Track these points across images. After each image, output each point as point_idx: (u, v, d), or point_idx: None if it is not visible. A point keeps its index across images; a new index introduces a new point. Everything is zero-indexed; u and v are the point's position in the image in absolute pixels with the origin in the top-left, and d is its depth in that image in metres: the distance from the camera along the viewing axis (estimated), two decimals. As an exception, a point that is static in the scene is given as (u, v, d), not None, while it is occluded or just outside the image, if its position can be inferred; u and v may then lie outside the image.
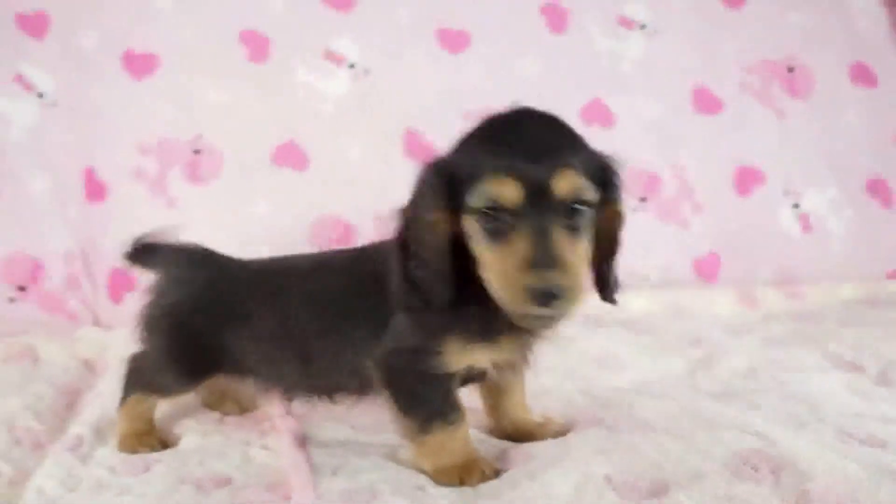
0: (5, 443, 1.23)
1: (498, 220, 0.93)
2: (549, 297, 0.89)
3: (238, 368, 1.21)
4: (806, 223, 2.18)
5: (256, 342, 1.18)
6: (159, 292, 1.26)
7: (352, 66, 2.10)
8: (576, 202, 0.94)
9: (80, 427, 1.25)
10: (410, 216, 1.01)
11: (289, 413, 1.29)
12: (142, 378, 1.24)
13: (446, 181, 0.97)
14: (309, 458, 1.10)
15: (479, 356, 1.04)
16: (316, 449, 1.14)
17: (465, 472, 1.03)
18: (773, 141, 2.25)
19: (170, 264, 1.29)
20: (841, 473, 0.99)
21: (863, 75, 2.36)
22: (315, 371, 1.15)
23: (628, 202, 2.06)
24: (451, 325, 1.01)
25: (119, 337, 1.79)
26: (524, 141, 0.95)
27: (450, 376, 1.04)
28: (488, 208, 0.93)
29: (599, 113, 2.18)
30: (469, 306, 0.99)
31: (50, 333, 1.76)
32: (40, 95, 1.94)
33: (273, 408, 1.31)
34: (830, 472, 0.99)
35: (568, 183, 0.93)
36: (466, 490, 1.00)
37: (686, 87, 2.27)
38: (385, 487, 0.98)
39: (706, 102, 2.24)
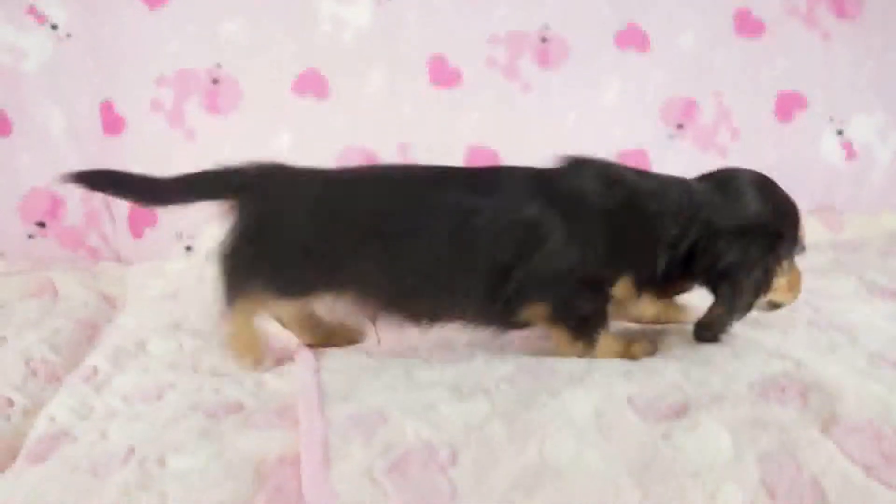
0: (21, 375, 1.23)
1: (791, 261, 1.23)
2: None
3: (349, 287, 1.19)
4: (850, 150, 2.14)
5: (386, 257, 1.17)
6: (280, 199, 1.20)
7: (374, -9, 2.05)
8: None
9: (96, 358, 1.26)
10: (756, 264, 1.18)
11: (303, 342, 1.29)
12: (252, 278, 1.20)
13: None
14: (321, 385, 1.08)
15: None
16: (329, 375, 1.13)
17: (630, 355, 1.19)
18: (817, 65, 2.20)
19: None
20: (870, 396, 0.98)
21: (915, -6, 2.27)
22: (445, 291, 1.19)
23: (665, 130, 2.05)
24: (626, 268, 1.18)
25: (139, 272, 1.80)
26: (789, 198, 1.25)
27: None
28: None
29: (635, 38, 2.14)
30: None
31: (70, 269, 1.76)
32: (54, 27, 1.93)
33: (290, 337, 1.29)
34: (859, 394, 0.98)
35: None
36: (481, 408, 0.99)
37: (727, 9, 2.21)
38: (395, 410, 0.97)
39: (748, 25, 2.19)
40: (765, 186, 1.25)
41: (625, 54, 2.11)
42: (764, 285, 1.19)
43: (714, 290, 1.19)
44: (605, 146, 2.03)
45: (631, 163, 1.81)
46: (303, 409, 0.98)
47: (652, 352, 1.20)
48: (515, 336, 1.27)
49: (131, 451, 0.92)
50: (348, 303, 1.19)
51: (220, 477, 0.86)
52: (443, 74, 2.04)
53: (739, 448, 0.88)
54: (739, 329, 1.25)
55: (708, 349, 1.17)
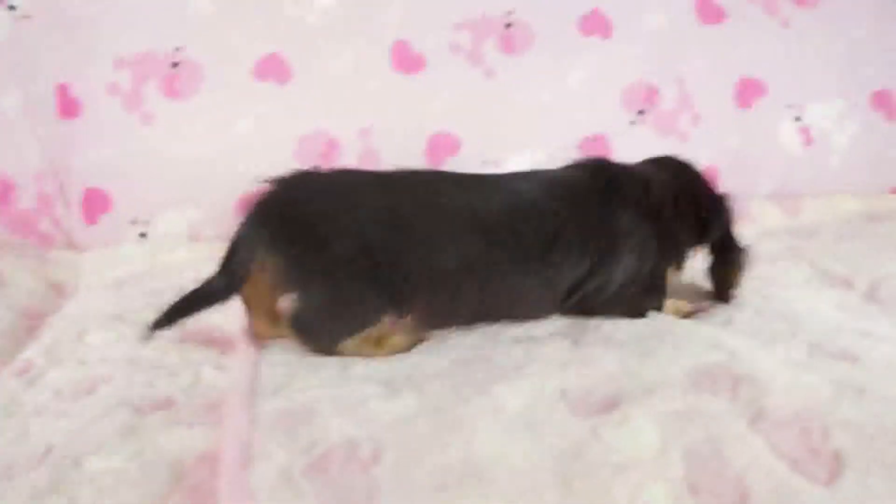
0: (-47, 369, 1.18)
1: None
2: None
3: (415, 303, 1.16)
4: (808, 137, 2.12)
5: (446, 271, 1.15)
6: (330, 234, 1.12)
7: (340, -27, 2.02)
8: None
9: (32, 351, 1.24)
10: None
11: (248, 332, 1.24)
12: (336, 332, 1.15)
13: None
14: (257, 378, 1.06)
15: None
16: (268, 368, 1.12)
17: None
18: (777, 52, 2.18)
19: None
20: (803, 388, 0.98)
21: (875, -20, 2.24)
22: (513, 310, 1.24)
23: (626, 116, 2.03)
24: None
25: (92, 259, 1.78)
26: None
27: None
28: None
29: (599, 23, 2.11)
30: None
31: (19, 256, 1.70)
32: (12, 7, 1.89)
33: (235, 327, 1.26)
34: (792, 387, 0.98)
35: None
36: (410, 403, 0.98)
37: (689, -4, 2.16)
38: (325, 406, 0.96)
39: (710, 12, 2.16)
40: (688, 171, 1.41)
41: (588, 40, 2.09)
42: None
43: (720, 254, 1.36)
44: (567, 132, 2.00)
45: (592, 149, 1.79)
46: (230, 405, 0.96)
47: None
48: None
49: (49, 450, 0.90)
50: (419, 319, 1.17)
51: (136, 478, 0.85)
52: (406, 60, 2.01)
53: (666, 443, 0.87)
54: (682, 320, 1.27)
55: (649, 337, 1.16)
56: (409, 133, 1.96)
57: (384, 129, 1.96)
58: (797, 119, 2.13)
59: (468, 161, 1.97)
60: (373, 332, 1.15)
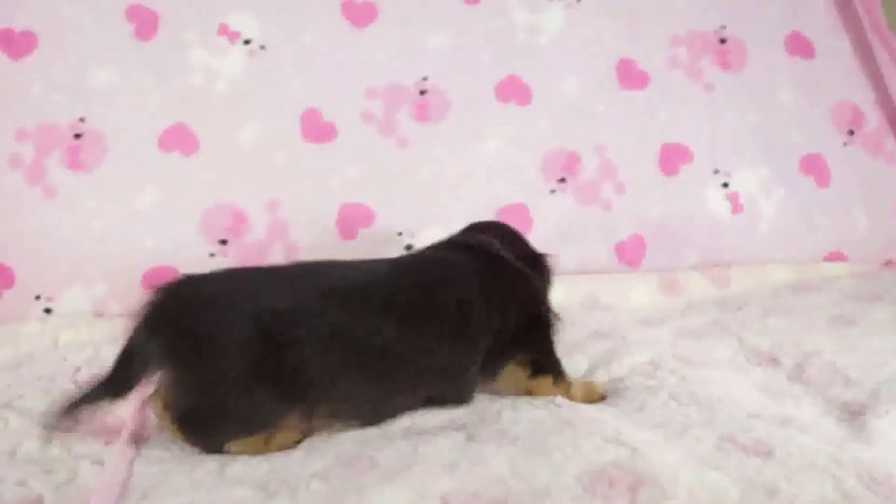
0: None
1: None
2: None
3: (306, 398, 1.15)
4: (736, 203, 2.11)
5: (337, 361, 1.16)
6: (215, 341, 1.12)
7: (247, 41, 2.01)
8: None
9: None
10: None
11: (138, 420, 1.24)
12: (223, 434, 1.14)
13: None
14: (127, 479, 1.03)
15: None
16: (142, 468, 1.08)
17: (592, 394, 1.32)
18: (701, 117, 2.18)
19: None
20: (707, 489, 0.94)
21: (799, 46, 2.29)
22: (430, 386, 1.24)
23: (546, 185, 2.02)
24: None
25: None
26: None
27: None
28: None
29: (516, 90, 2.10)
30: None
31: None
32: None
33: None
34: (695, 488, 0.94)
35: None
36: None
37: (609, 60, 2.19)
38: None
39: (630, 77, 2.16)
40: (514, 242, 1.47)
41: (505, 107, 2.08)
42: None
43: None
44: (485, 202, 1.99)
45: (511, 218, 1.77)
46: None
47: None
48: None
49: None
50: (322, 416, 1.17)
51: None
52: (316, 129, 1.99)
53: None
54: (588, 407, 1.24)
55: (548, 430, 1.12)
56: (320, 205, 1.94)
57: (294, 200, 1.93)
58: (725, 185, 2.13)
59: (382, 233, 1.95)
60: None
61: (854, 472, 1.00)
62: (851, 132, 2.23)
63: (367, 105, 2.00)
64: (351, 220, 1.91)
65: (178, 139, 1.94)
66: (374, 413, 1.20)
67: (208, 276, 1.19)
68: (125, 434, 1.19)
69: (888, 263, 2.18)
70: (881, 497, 0.95)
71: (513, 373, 1.31)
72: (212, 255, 1.86)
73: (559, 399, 1.26)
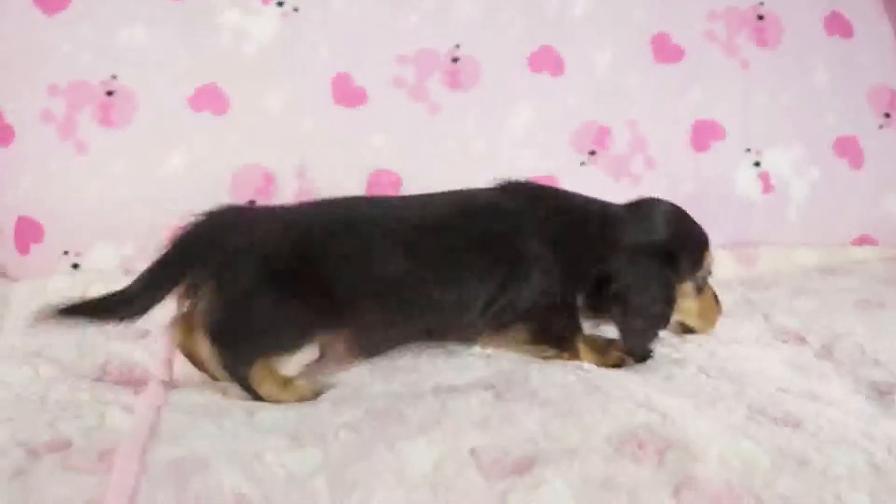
0: None
1: (699, 283, 1.38)
2: None
3: (341, 321, 1.22)
4: (767, 183, 2.11)
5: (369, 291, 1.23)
6: (250, 255, 1.20)
7: (280, 3, 2.02)
8: None
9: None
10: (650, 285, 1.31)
11: (166, 372, 1.27)
12: (255, 347, 1.20)
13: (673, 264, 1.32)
14: (156, 423, 1.05)
15: None
16: (171, 413, 1.10)
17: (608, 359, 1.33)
18: (735, 94, 2.17)
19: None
20: (739, 457, 0.95)
21: (838, 25, 2.27)
22: (432, 319, 1.29)
23: (577, 157, 2.03)
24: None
25: (22, 290, 1.76)
26: (702, 228, 1.42)
27: None
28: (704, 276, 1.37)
29: (549, 61, 2.11)
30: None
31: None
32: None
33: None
34: (727, 454, 0.96)
35: None
36: (311, 458, 0.96)
37: (644, 34, 2.18)
38: (219, 458, 0.93)
39: (665, 51, 2.16)
40: (670, 213, 1.41)
41: (538, 77, 2.08)
42: (659, 305, 1.30)
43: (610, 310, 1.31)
44: (513, 172, 1.96)
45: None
46: (122, 452, 0.94)
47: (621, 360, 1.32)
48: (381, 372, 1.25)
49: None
50: (345, 340, 1.23)
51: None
52: (347, 93, 2.00)
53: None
54: (617, 374, 1.24)
55: (578, 394, 1.13)
56: (349, 169, 1.95)
57: (322, 165, 1.94)
58: (756, 164, 2.13)
59: (410, 200, 1.95)
60: (290, 362, 1.23)
61: (886, 446, 1.01)
62: (887, 115, 2.22)
63: (399, 71, 2.00)
64: (379, 186, 1.92)
65: (209, 99, 1.95)
66: (387, 342, 1.29)
67: (250, 206, 1.30)
68: (154, 381, 1.21)
69: (919, 249, 2.16)
70: None
71: (516, 333, 1.33)
72: (240, 217, 1.86)
73: (587, 365, 1.28)
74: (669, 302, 1.32)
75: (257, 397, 1.17)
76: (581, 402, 1.09)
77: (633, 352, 1.32)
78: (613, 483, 0.90)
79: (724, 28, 2.20)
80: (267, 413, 1.10)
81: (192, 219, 1.22)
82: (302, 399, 1.17)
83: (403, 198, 1.39)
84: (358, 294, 1.21)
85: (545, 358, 1.31)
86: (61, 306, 1.15)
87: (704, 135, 2.12)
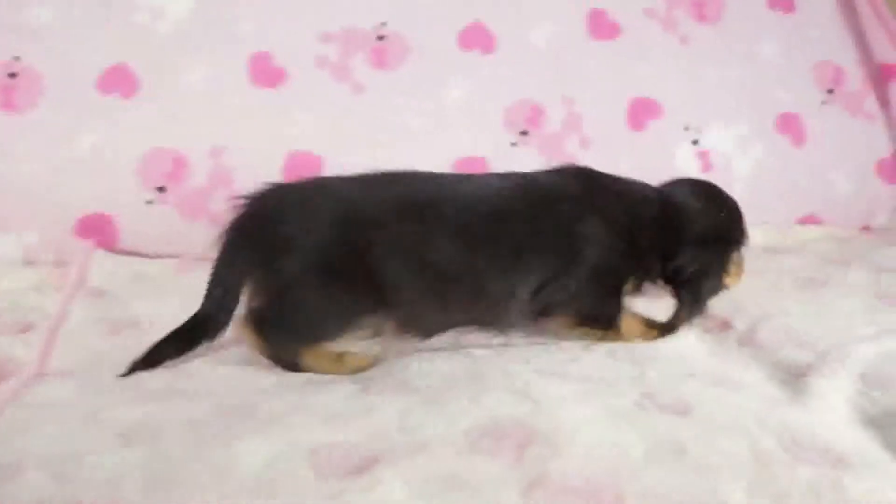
0: None
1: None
2: None
3: (389, 309, 1.21)
4: (706, 161, 2.04)
5: (421, 280, 1.21)
6: (295, 241, 1.19)
7: (196, -22, 1.92)
8: None
9: None
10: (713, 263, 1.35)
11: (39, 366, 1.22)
12: (298, 336, 1.20)
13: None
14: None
15: None
16: (17, 410, 1.05)
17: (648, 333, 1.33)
18: (675, 71, 2.11)
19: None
20: (607, 448, 0.90)
21: (780, 0, 2.19)
22: (483, 307, 1.26)
23: (507, 137, 1.95)
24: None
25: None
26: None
27: None
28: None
29: (479, 37, 2.04)
30: None
31: None
32: None
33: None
34: (595, 446, 0.90)
35: None
36: (136, 457, 0.89)
37: (580, 10, 2.12)
38: (33, 461, 0.87)
39: (602, 27, 2.10)
40: (718, 195, 1.43)
41: (468, 55, 2.01)
42: (719, 286, 1.37)
43: (677, 290, 1.35)
44: (442, 153, 1.91)
45: (468, 171, 1.70)
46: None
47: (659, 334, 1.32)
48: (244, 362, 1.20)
49: None
50: (394, 326, 1.22)
51: None
52: (266, 73, 1.92)
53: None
54: (513, 357, 1.19)
55: (455, 383, 1.07)
56: (267, 152, 1.87)
57: (239, 147, 1.86)
58: (695, 143, 2.06)
59: (330, 183, 1.88)
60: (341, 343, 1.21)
61: (776, 433, 0.96)
62: (831, 91, 2.15)
63: (321, 49, 1.92)
64: (298, 169, 1.84)
65: (119, 80, 1.87)
66: (435, 326, 1.28)
67: (295, 184, 1.27)
68: (16, 377, 1.16)
69: (866, 229, 2.10)
70: (795, 458, 0.92)
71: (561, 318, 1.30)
72: (149, 202, 1.78)
73: (479, 352, 1.23)
74: (722, 284, 1.39)
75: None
76: (452, 392, 1.03)
77: (681, 322, 1.35)
78: (458, 481, 0.83)
79: (662, 3, 2.13)
80: (114, 412, 1.02)
81: (240, 204, 1.21)
82: (357, 371, 1.19)
83: (458, 176, 1.35)
84: (408, 281, 1.20)
85: (587, 340, 1.30)
86: (148, 357, 1.18)
87: (641, 113, 2.05)
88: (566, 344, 1.28)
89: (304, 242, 1.17)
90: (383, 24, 1.98)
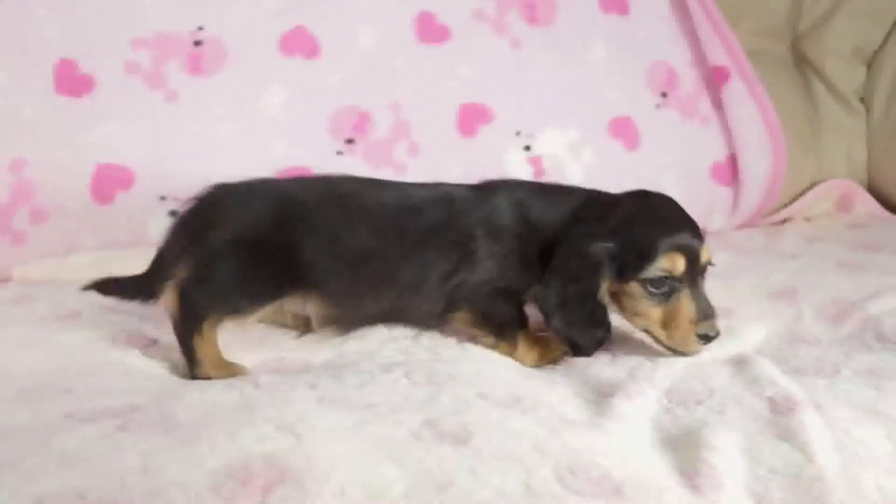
0: None
1: (666, 286, 1.22)
2: (712, 339, 1.23)
3: (309, 288, 1.30)
4: (538, 167, 2.00)
5: (339, 261, 1.29)
6: (225, 220, 1.29)
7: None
8: (707, 266, 1.26)
9: None
10: (573, 277, 1.25)
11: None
12: (213, 302, 1.25)
13: (617, 257, 1.23)
14: None
15: None
16: None
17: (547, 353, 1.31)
18: (506, 75, 2.07)
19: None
20: (365, 486, 0.84)
21: (613, 2, 2.20)
22: (393, 294, 1.32)
23: (333, 145, 1.88)
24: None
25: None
26: (679, 221, 1.26)
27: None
28: (659, 278, 1.21)
29: (302, 42, 1.98)
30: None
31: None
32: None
33: None
34: (349, 485, 0.84)
35: (707, 252, 1.25)
36: None
37: (407, 13, 2.07)
38: None
39: (431, 31, 2.05)
40: (635, 204, 1.32)
41: (290, 60, 1.93)
42: (576, 302, 1.25)
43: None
44: (263, 163, 1.83)
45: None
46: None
47: (561, 356, 1.30)
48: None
49: None
50: (313, 304, 1.30)
51: None
52: (71, 81, 1.82)
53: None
54: (298, 385, 1.12)
55: (220, 415, 1.00)
56: (72, 164, 1.82)
57: (41, 160, 1.81)
58: (527, 149, 2.02)
59: (142, 196, 1.82)
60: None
61: (554, 461, 0.91)
62: (664, 94, 2.14)
63: (132, 56, 1.83)
64: (107, 183, 1.75)
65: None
66: (352, 314, 1.34)
67: (243, 181, 1.35)
68: None
69: (701, 232, 2.07)
70: (567, 489, 0.87)
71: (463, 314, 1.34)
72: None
73: (263, 379, 1.17)
74: (586, 298, 1.26)
75: (193, 372, 1.23)
76: (212, 427, 0.95)
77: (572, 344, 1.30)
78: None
79: (493, 6, 2.09)
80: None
81: (187, 202, 1.32)
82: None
83: (386, 183, 1.44)
84: (326, 260, 1.28)
85: (488, 347, 1.33)
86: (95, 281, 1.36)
87: (472, 118, 2.01)
88: (366, 365, 1.22)
89: (233, 218, 1.27)
90: (200, 28, 1.89)
